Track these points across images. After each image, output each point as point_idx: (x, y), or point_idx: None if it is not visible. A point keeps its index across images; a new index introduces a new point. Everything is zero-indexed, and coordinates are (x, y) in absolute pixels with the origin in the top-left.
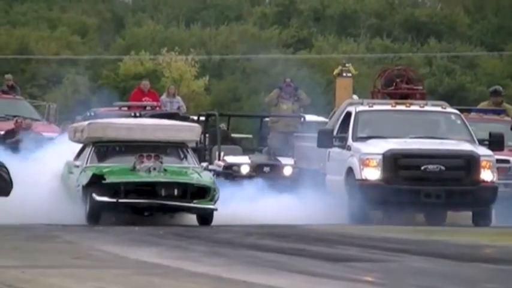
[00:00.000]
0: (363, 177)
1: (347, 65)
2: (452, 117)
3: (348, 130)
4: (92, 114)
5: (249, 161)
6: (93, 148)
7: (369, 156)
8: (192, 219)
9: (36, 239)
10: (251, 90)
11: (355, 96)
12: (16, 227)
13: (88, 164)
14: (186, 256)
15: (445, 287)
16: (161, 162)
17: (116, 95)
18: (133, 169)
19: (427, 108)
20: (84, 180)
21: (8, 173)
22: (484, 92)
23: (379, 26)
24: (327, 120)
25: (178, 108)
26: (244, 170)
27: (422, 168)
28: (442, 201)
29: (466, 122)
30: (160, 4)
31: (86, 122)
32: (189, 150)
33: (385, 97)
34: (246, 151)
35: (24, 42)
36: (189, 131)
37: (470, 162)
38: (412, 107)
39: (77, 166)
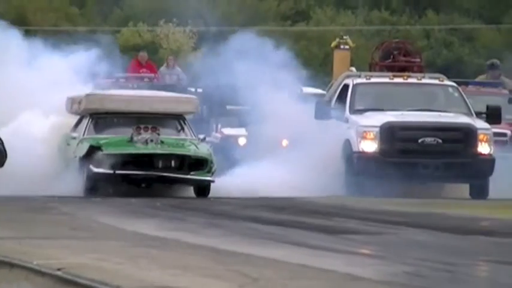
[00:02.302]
0: (360, 150)
1: (345, 37)
2: (450, 89)
3: (345, 102)
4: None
5: (245, 133)
6: (90, 119)
7: (366, 129)
8: (189, 190)
9: (33, 210)
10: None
11: (353, 69)
12: (13, 198)
13: (85, 136)
14: (183, 228)
15: (442, 260)
16: (158, 134)
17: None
18: (131, 141)
19: (424, 80)
20: (82, 151)
21: (2, 143)
22: (482, 65)
23: None
24: (324, 92)
25: (178, 79)
26: (241, 141)
27: (420, 140)
28: (439, 173)
29: (464, 95)
30: None
31: (83, 94)
32: (186, 122)
33: (382, 70)
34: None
35: (22, 13)
36: (187, 102)
37: (468, 135)
38: (410, 80)
39: (74, 138)
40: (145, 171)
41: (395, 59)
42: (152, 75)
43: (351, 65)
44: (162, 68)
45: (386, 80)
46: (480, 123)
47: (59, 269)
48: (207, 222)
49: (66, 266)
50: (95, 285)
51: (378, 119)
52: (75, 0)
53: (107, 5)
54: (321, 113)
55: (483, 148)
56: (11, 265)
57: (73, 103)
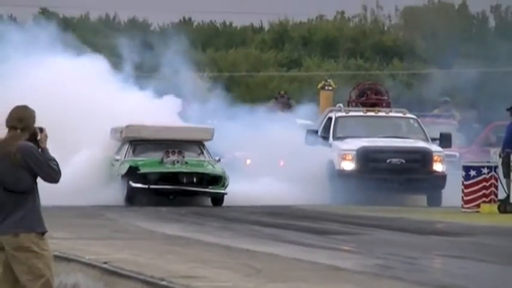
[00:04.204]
0: (341, 168)
1: (328, 80)
2: (411, 121)
3: (329, 131)
4: None
5: (251, 155)
6: (129, 145)
7: (345, 152)
8: (207, 201)
9: (85, 216)
10: (253, 101)
11: (340, 105)
12: (68, 208)
13: (126, 158)
14: (202, 230)
15: (406, 254)
16: (183, 156)
17: None
18: (161, 162)
19: (391, 114)
20: (123, 170)
21: (57, 164)
22: (436, 102)
23: (354, 49)
24: (312, 123)
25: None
26: (248, 162)
27: (387, 161)
28: (403, 187)
29: (422, 125)
30: (182, 32)
31: (124, 125)
32: (204, 146)
33: (358, 105)
34: None
35: None
36: (204, 132)
37: (425, 157)
38: (380, 113)
39: (117, 160)
40: (173, 186)
41: (368, 97)
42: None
43: (334, 103)
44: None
45: (361, 113)
46: (435, 147)
47: (105, 263)
48: (221, 226)
49: (111, 260)
50: (133, 275)
51: (355, 144)
52: (117, 53)
53: (137, 53)
54: (310, 139)
55: (437, 167)
56: (68, 260)
57: (116, 132)
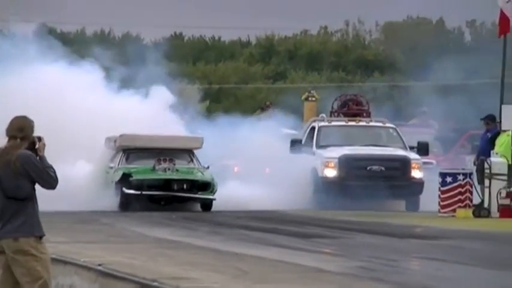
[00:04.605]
0: (324, 175)
1: (312, 91)
2: (390, 130)
3: (312, 140)
4: None
5: (239, 163)
6: (123, 153)
7: (328, 160)
8: (197, 206)
9: (81, 221)
10: (241, 111)
11: (323, 115)
12: (65, 213)
13: (119, 166)
14: (192, 234)
15: (386, 257)
16: (174, 164)
17: None
18: (153, 169)
19: (371, 123)
20: (117, 177)
21: (54, 172)
22: (415, 111)
23: (337, 63)
24: (297, 132)
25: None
26: (236, 169)
27: (368, 168)
28: (382, 193)
29: (401, 134)
30: (173, 47)
31: (118, 134)
32: (194, 154)
33: (340, 115)
34: None
35: None
36: (194, 141)
37: (404, 164)
38: (361, 123)
39: (111, 167)
40: (164, 192)
41: (349, 107)
42: None
43: (317, 113)
44: None
45: (343, 123)
46: (413, 155)
47: (99, 265)
48: (210, 230)
49: (105, 263)
50: (126, 276)
51: (337, 152)
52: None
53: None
54: (295, 148)
55: (415, 173)
56: (65, 262)
57: (110, 141)
